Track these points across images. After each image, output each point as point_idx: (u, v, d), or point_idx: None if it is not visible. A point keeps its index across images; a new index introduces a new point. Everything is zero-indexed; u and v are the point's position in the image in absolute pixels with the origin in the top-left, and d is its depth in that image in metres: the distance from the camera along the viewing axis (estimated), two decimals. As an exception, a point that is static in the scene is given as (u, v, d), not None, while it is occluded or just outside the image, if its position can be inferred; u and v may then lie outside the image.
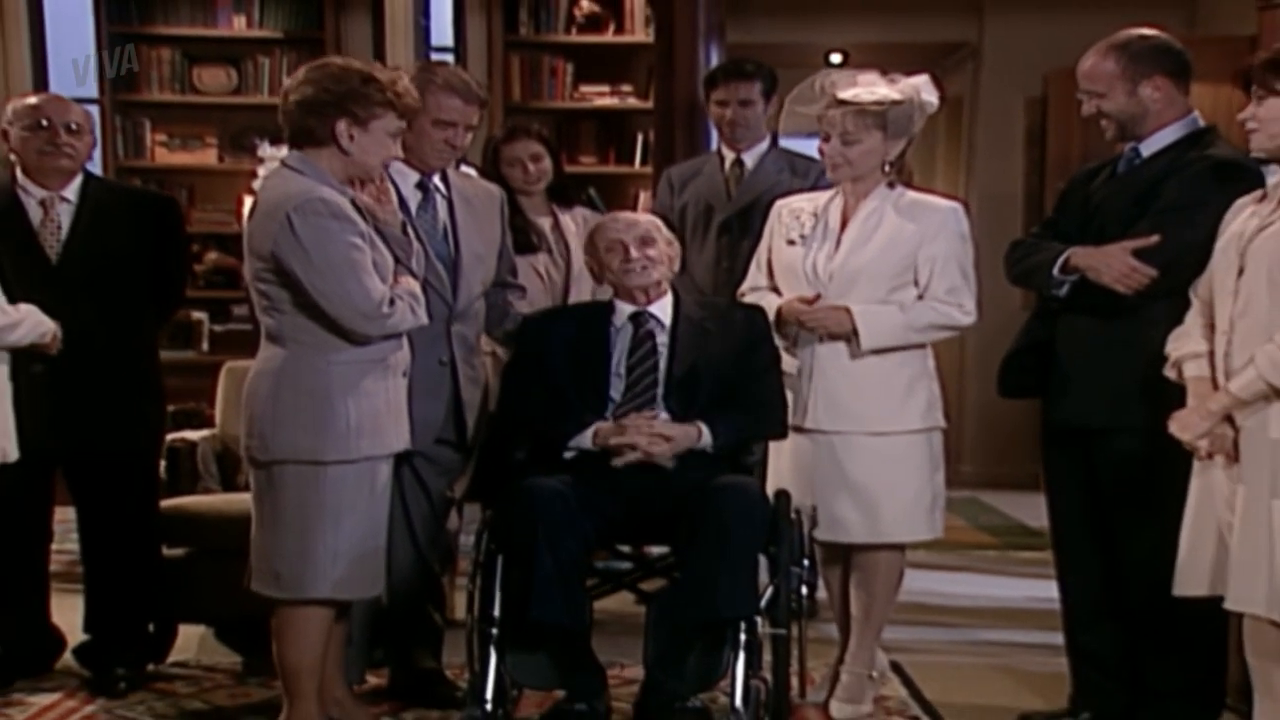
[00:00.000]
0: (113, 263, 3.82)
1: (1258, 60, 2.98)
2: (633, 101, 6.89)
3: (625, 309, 3.58)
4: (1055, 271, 3.33)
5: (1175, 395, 3.03)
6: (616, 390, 3.51)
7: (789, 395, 3.58)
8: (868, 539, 3.63)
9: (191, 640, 4.24)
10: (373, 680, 3.81)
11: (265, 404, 3.19)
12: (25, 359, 3.57)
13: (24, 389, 3.55)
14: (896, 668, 4.02)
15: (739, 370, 3.52)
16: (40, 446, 3.62)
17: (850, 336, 3.56)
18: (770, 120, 4.61)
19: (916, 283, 3.59)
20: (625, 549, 3.82)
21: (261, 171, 5.04)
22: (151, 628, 4.05)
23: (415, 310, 3.22)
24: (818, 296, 3.60)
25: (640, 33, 6.78)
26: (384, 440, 3.24)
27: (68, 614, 4.01)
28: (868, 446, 3.59)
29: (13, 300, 3.52)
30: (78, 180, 3.84)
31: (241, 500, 3.53)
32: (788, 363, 3.64)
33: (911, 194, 3.64)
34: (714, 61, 5.36)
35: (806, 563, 3.43)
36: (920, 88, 3.58)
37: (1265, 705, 2.94)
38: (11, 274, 3.56)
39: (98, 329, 3.75)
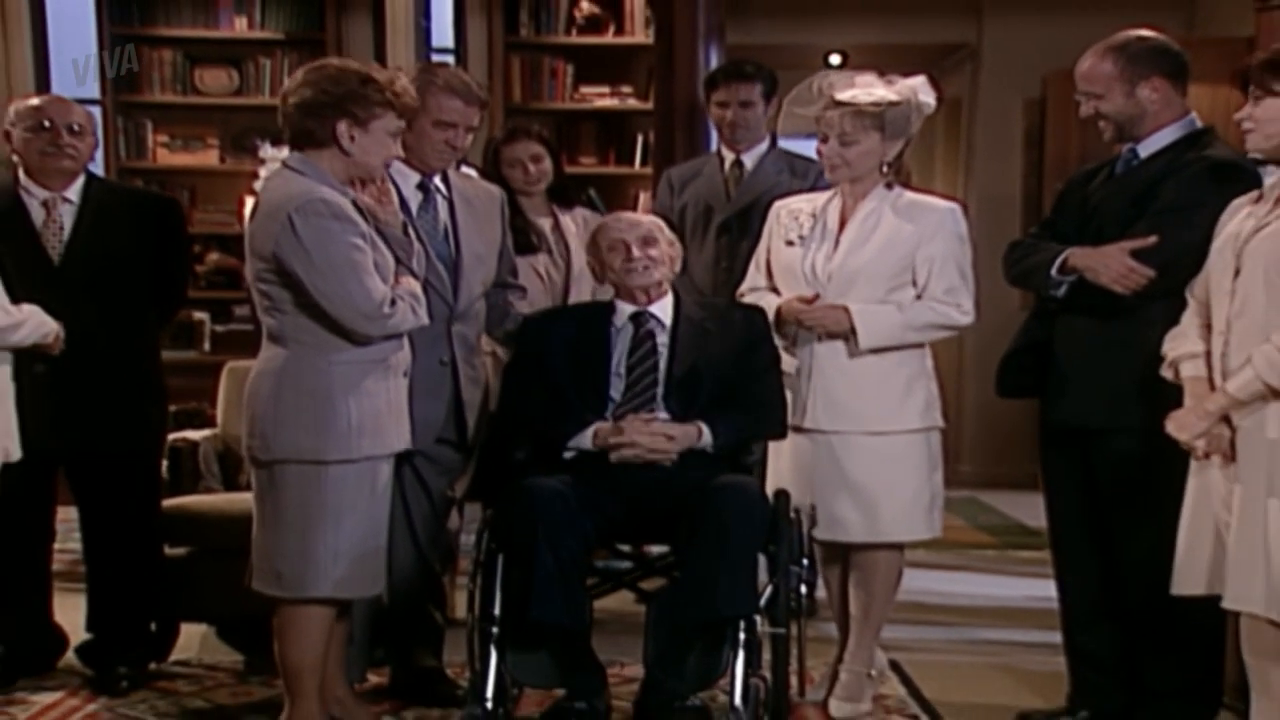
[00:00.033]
0: (115, 263, 3.83)
1: (1255, 61, 2.98)
2: (633, 102, 6.90)
3: (626, 309, 3.59)
4: (1053, 272, 3.34)
5: (1173, 395, 3.04)
6: (616, 390, 3.52)
7: (788, 395, 3.60)
8: (867, 538, 3.64)
9: (193, 639, 4.25)
10: (374, 679, 3.82)
11: (267, 404, 3.20)
12: (28, 359, 3.58)
13: (26, 389, 3.56)
14: (895, 666, 4.02)
15: (739, 370, 3.53)
16: (43, 446, 3.63)
17: (848, 336, 3.57)
18: (770, 121, 4.62)
19: (915, 283, 3.60)
20: (625, 548, 3.83)
21: (263, 172, 5.06)
22: (153, 627, 4.06)
23: (416, 310, 3.23)
24: (816, 296, 3.61)
25: (640, 34, 6.80)
26: (385, 440, 3.25)
27: (70, 613, 4.02)
28: (866, 446, 3.60)
29: (15, 301, 3.52)
30: (80, 181, 3.85)
31: (243, 500, 3.54)
32: (787, 362, 3.65)
33: (909, 195, 3.65)
34: (714, 63, 5.36)
35: (806, 562, 3.44)
36: (917, 89, 3.59)
37: (1262, 703, 2.94)
38: (14, 274, 3.56)
39: (100, 329, 3.75)
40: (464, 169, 4.00)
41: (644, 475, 3.40)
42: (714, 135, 4.95)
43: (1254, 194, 3.01)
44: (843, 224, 3.64)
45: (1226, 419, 2.90)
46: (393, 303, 3.16)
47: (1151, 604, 3.21)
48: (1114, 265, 3.24)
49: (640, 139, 6.84)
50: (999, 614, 4.85)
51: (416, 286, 3.28)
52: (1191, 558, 2.98)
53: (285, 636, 3.27)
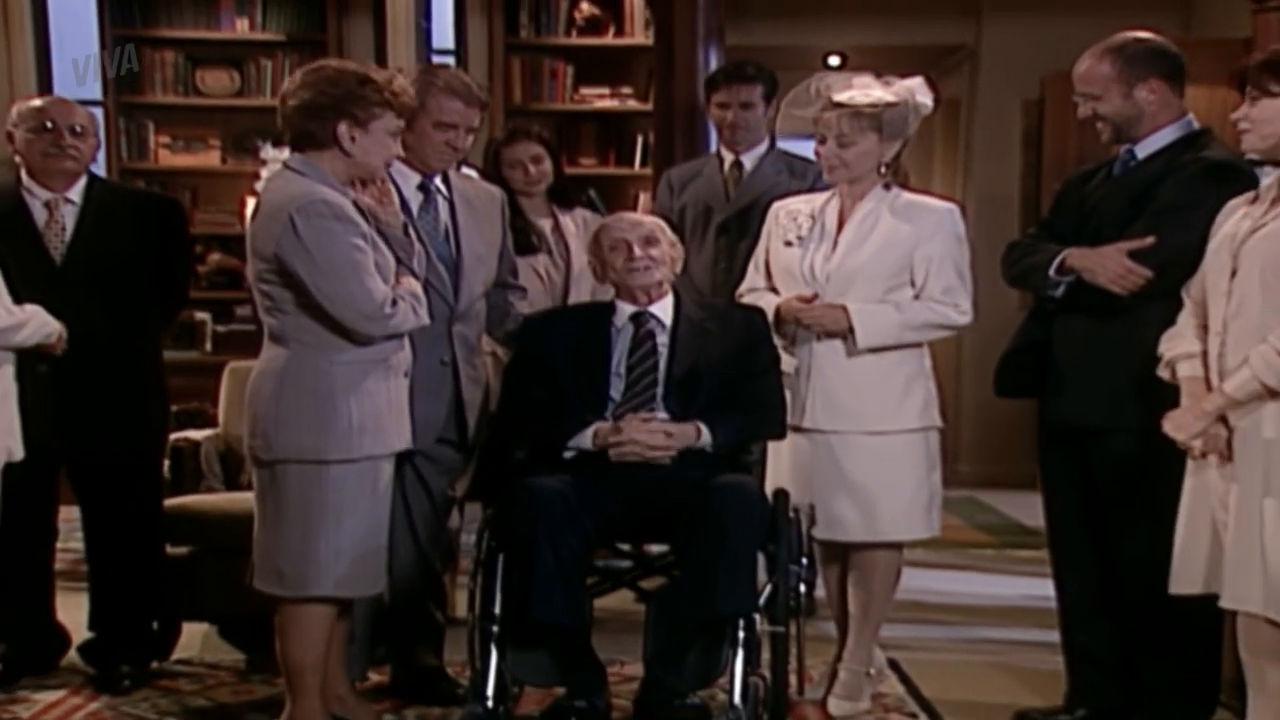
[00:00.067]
0: (117, 264, 3.84)
1: (1252, 62, 2.99)
2: (632, 103, 6.92)
3: (626, 309, 3.61)
4: (1051, 272, 3.35)
5: (1170, 395, 3.04)
6: (616, 390, 3.53)
7: (787, 395, 3.61)
8: (866, 538, 3.65)
9: (195, 638, 4.26)
10: (375, 677, 3.83)
11: (268, 404, 3.21)
12: (30, 359, 3.59)
13: (29, 389, 3.56)
14: (894, 665, 4.03)
15: (738, 371, 3.54)
16: (45, 446, 3.64)
17: (846, 335, 3.58)
18: (770, 122, 4.63)
19: (913, 283, 3.61)
20: (625, 547, 3.84)
21: (264, 173, 5.07)
22: (155, 626, 4.06)
23: (417, 311, 3.24)
24: (815, 295, 3.62)
25: (640, 35, 6.81)
26: (386, 440, 3.26)
27: (72, 612, 4.03)
28: (865, 446, 3.61)
29: (18, 301, 3.53)
30: (82, 182, 3.86)
31: (244, 499, 3.55)
32: (786, 362, 3.65)
33: (907, 195, 3.66)
34: (713, 64, 5.37)
35: (805, 561, 3.46)
36: (915, 90, 3.61)
37: (1259, 701, 2.95)
38: (16, 275, 3.57)
39: (102, 329, 3.76)
40: (464, 170, 4.01)
41: (644, 475, 3.41)
42: (714, 136, 4.96)
43: (1250, 195, 3.02)
44: (841, 224, 3.65)
45: (1223, 419, 2.90)
46: (394, 303, 3.17)
47: (1149, 603, 3.21)
48: (1112, 266, 3.25)
49: (640, 140, 6.86)
50: (997, 613, 4.85)
51: (417, 287, 3.29)
52: (1189, 557, 2.99)
53: (287, 635, 3.28)
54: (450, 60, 6.87)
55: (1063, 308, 3.39)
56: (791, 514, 3.43)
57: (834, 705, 3.68)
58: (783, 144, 4.70)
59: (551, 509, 3.28)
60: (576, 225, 4.52)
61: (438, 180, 3.65)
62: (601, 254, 3.63)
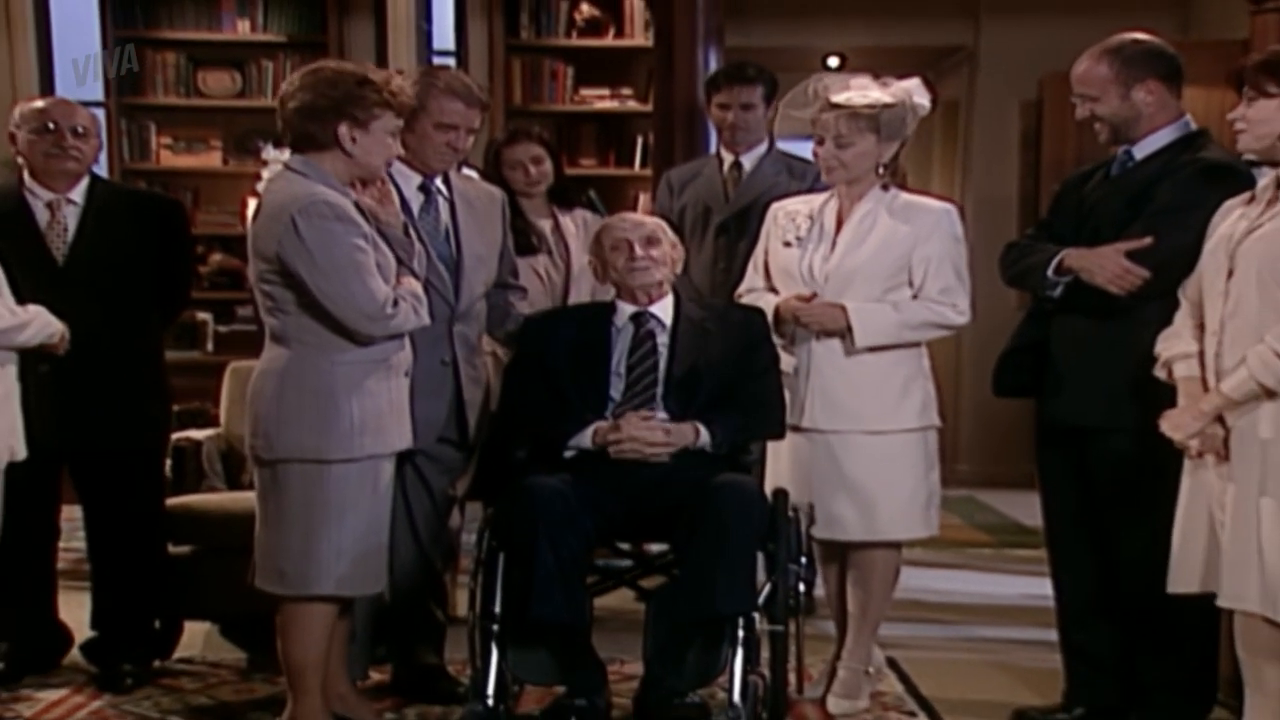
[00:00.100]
0: (118, 264, 3.85)
1: (1249, 63, 3.00)
2: (632, 104, 6.93)
3: (626, 309, 3.61)
4: (1049, 273, 3.36)
5: (1168, 395, 3.06)
6: (616, 390, 3.54)
7: (786, 394, 3.62)
8: (864, 537, 3.66)
9: (197, 637, 4.27)
10: (376, 676, 3.83)
11: (270, 403, 3.22)
12: (33, 359, 3.59)
13: (31, 389, 3.57)
14: (893, 664, 4.04)
15: (738, 371, 3.55)
16: (47, 445, 3.65)
17: (845, 334, 3.59)
18: (769, 123, 4.64)
19: (911, 284, 3.62)
20: (625, 546, 3.85)
21: (265, 174, 5.05)
22: (157, 624, 4.07)
23: (418, 311, 3.25)
24: (814, 295, 3.63)
25: (640, 36, 6.82)
26: (387, 439, 3.27)
27: (74, 611, 4.04)
28: (864, 445, 3.62)
29: (20, 301, 3.54)
30: (84, 183, 3.87)
31: (246, 498, 3.56)
32: (785, 362, 3.66)
33: (905, 196, 3.68)
34: (713, 65, 5.38)
35: (804, 560, 3.46)
36: (912, 90, 3.62)
37: (1256, 700, 2.96)
38: (19, 275, 3.58)
39: (104, 330, 3.77)
40: (465, 170, 4.02)
41: (644, 474, 3.42)
42: (713, 137, 4.97)
43: (1246, 195, 3.02)
44: (839, 225, 3.67)
45: (1220, 418, 2.91)
46: (395, 303, 3.18)
47: (1147, 602, 3.22)
48: (1109, 266, 3.26)
49: (640, 141, 6.87)
50: (996, 612, 4.86)
51: (418, 287, 3.30)
52: (1186, 556, 3.00)
53: (288, 634, 3.29)
54: (451, 61, 6.89)
55: (1061, 308, 3.40)
56: (791, 513, 3.43)
57: (833, 704, 3.69)
58: (781, 145, 4.71)
59: (551, 508, 3.29)
60: (576, 226, 4.53)
61: (438, 181, 3.66)
62: (603, 254, 3.63)
